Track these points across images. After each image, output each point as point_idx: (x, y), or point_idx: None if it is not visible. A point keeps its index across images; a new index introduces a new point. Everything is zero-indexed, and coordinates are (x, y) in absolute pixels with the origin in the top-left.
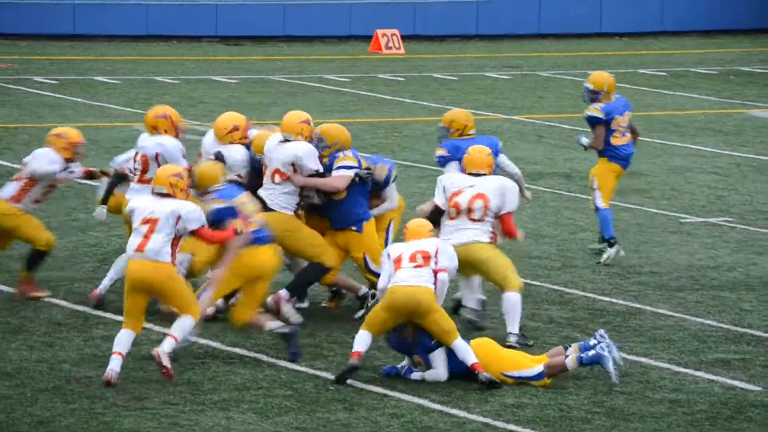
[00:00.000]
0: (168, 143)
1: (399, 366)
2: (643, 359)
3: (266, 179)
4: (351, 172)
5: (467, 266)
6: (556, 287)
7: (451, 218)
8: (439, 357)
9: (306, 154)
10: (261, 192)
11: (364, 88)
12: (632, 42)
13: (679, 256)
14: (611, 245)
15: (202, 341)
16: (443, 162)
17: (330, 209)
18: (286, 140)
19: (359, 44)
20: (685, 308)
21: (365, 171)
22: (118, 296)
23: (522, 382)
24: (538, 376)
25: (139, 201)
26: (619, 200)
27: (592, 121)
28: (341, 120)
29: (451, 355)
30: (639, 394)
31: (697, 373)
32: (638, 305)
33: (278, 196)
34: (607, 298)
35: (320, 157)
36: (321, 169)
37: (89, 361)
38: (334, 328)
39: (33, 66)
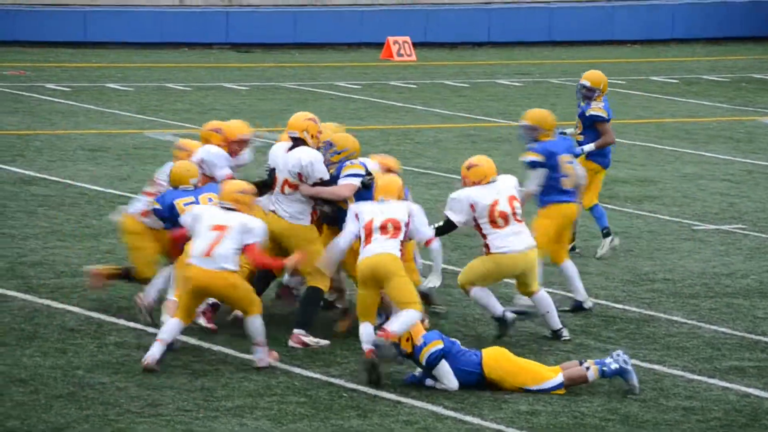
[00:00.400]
0: (212, 150)
1: (417, 373)
2: (656, 366)
3: (276, 191)
4: (357, 180)
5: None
6: (569, 294)
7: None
8: (444, 370)
9: (311, 161)
10: (272, 204)
11: (376, 95)
12: (643, 49)
13: (692, 263)
14: (608, 236)
15: (216, 348)
16: (534, 166)
17: (339, 217)
18: (294, 146)
19: (370, 51)
20: (699, 315)
21: (368, 177)
22: (129, 303)
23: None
24: (558, 386)
25: (205, 208)
26: (632, 207)
27: (598, 120)
28: (352, 127)
29: (457, 368)
30: (653, 402)
31: (712, 381)
32: (652, 312)
33: (290, 205)
34: (620, 306)
35: (328, 163)
36: (327, 177)
37: (103, 368)
38: (347, 335)
39: (45, 73)
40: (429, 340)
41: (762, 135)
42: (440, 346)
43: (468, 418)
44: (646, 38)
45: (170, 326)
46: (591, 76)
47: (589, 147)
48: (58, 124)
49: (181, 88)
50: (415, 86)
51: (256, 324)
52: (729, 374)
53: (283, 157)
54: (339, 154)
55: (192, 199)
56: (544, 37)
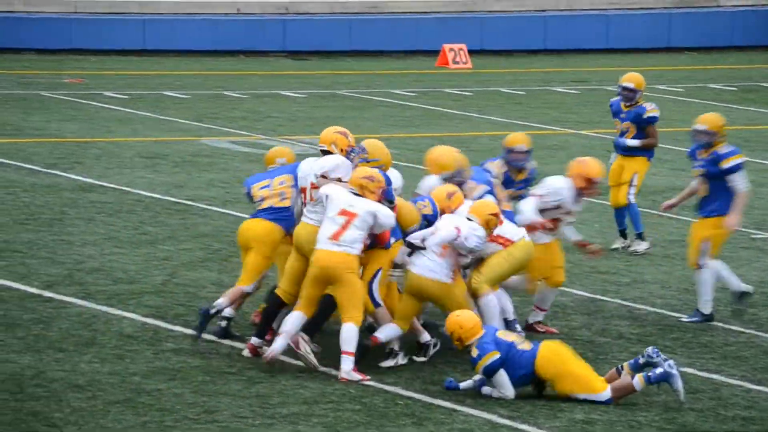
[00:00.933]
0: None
1: (475, 379)
2: (714, 376)
3: (307, 208)
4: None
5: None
6: (625, 303)
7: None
8: (501, 381)
9: (336, 163)
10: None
11: (431, 103)
12: (701, 56)
13: (750, 272)
14: (644, 239)
15: (271, 356)
16: (739, 168)
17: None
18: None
19: (426, 59)
20: (757, 325)
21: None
22: (186, 310)
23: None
24: (607, 401)
25: (335, 190)
26: (691, 216)
27: (652, 122)
28: (407, 135)
29: (513, 371)
30: (711, 411)
31: None
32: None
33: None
34: (677, 314)
35: (355, 167)
36: (346, 178)
37: (159, 374)
38: (402, 342)
39: (103, 81)
40: (484, 352)
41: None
42: (496, 357)
43: (524, 427)
44: (703, 45)
45: (293, 319)
46: (633, 78)
47: (634, 143)
48: (116, 132)
49: (238, 95)
50: (470, 94)
51: (351, 332)
52: None
53: (310, 168)
54: (368, 162)
55: (267, 182)
56: (601, 44)
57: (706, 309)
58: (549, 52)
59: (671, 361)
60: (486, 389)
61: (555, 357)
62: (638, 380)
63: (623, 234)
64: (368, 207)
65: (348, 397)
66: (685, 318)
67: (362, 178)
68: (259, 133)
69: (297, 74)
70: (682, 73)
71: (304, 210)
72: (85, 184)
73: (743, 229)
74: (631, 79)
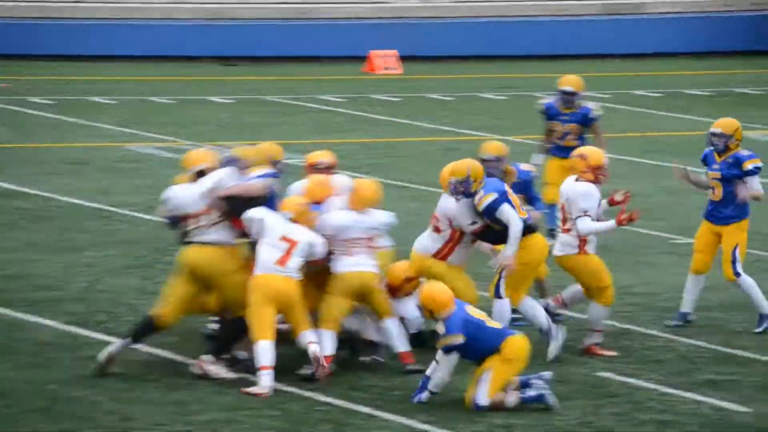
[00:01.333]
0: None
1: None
2: (631, 380)
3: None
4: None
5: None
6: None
7: None
8: (449, 363)
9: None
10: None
11: (360, 109)
12: (626, 63)
13: (670, 277)
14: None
15: (189, 361)
16: (758, 172)
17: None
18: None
19: (355, 65)
20: (675, 329)
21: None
22: (108, 317)
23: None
24: (480, 407)
25: (268, 215)
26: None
27: (598, 119)
28: (336, 141)
29: (477, 347)
30: (627, 415)
31: (687, 395)
32: (628, 326)
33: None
34: None
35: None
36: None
37: (77, 382)
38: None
39: (29, 86)
40: (450, 332)
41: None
42: (459, 340)
43: None
44: (629, 52)
45: (265, 349)
46: (572, 81)
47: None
48: (42, 138)
49: (165, 101)
50: (399, 99)
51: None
52: (704, 388)
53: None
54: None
55: None
56: (530, 50)
57: (765, 308)
58: (478, 58)
59: (544, 381)
60: (431, 368)
61: (521, 353)
62: (514, 398)
63: (552, 234)
64: (307, 237)
65: (267, 403)
66: (758, 329)
67: (297, 205)
68: (186, 139)
69: (225, 80)
70: (608, 80)
71: (198, 231)
72: (8, 190)
73: (664, 235)
74: (571, 82)
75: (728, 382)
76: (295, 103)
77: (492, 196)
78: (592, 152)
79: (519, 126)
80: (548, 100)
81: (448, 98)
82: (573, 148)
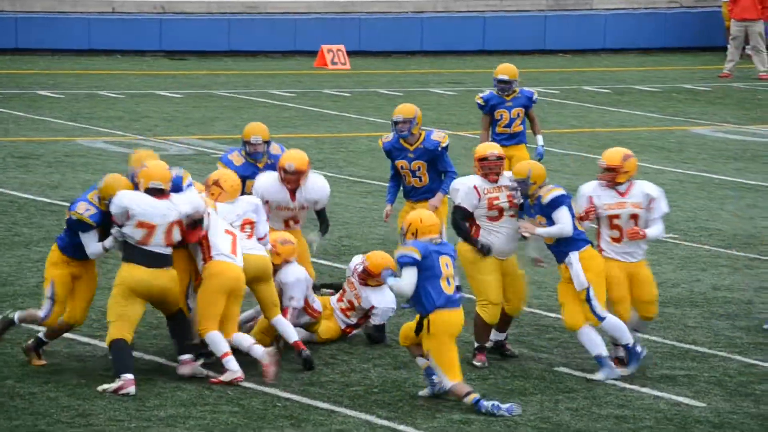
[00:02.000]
0: None
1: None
2: (588, 375)
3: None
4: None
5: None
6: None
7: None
8: (408, 279)
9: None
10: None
11: (309, 104)
12: (575, 59)
13: None
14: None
15: (148, 357)
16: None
17: None
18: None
19: (304, 59)
20: (630, 324)
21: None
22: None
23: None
24: (442, 390)
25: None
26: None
27: (534, 104)
28: (286, 135)
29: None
30: (585, 410)
31: (643, 389)
32: None
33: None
34: (553, 315)
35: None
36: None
37: (33, 377)
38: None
39: None
40: (411, 245)
41: (692, 145)
42: (415, 255)
43: (402, 427)
44: (577, 48)
45: (218, 338)
46: (507, 70)
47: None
48: None
49: (114, 95)
50: (348, 94)
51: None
52: (660, 383)
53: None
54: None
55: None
56: (477, 46)
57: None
58: (426, 53)
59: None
60: (391, 279)
61: (445, 327)
62: (469, 400)
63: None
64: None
65: (225, 399)
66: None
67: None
68: (135, 134)
69: (174, 74)
70: (557, 75)
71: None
72: None
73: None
74: (506, 71)
75: (684, 377)
76: (245, 98)
77: (560, 191)
78: (480, 147)
79: (468, 121)
80: (486, 92)
81: (397, 93)
82: (521, 133)
